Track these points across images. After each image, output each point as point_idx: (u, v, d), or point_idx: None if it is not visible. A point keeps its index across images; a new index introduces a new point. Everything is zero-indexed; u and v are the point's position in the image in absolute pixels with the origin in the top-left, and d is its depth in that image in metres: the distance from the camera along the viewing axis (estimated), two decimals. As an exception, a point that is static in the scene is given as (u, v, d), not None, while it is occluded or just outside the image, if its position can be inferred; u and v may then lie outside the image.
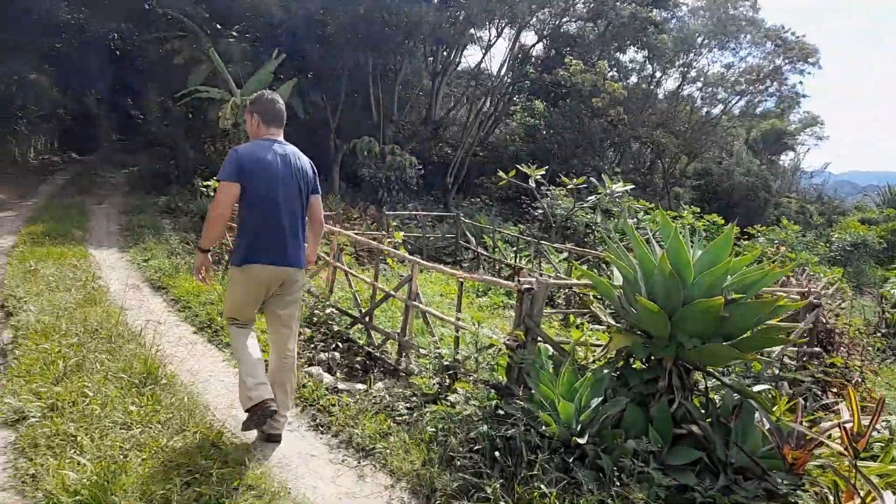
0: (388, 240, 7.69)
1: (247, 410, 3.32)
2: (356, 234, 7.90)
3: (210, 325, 5.93)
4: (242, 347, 3.48)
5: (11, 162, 18.25)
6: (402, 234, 8.91)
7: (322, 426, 3.86)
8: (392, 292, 4.91)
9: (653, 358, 3.44)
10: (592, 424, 3.20)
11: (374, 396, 4.11)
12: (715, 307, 3.04)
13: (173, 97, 17.61)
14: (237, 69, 16.71)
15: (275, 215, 3.38)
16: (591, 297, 5.59)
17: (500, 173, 10.16)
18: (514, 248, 10.56)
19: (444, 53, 23.20)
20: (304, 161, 3.62)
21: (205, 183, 9.93)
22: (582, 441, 3.06)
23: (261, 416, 3.27)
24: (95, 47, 23.96)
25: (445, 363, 3.94)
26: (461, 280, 4.35)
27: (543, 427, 3.13)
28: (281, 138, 3.55)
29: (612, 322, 3.76)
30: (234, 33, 18.77)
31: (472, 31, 24.26)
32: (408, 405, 3.87)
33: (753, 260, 3.41)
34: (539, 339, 3.55)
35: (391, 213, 10.20)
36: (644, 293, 3.34)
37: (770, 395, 3.77)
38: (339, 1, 18.21)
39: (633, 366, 3.65)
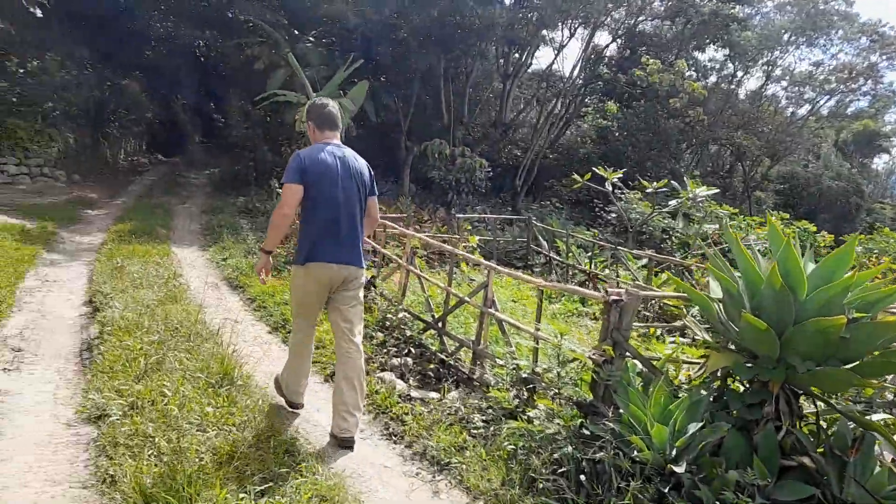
0: (463, 244, 7.55)
1: (280, 394, 3.93)
2: (427, 236, 7.82)
3: (284, 326, 5.96)
4: (297, 346, 3.73)
5: (104, 163, 19.35)
6: (477, 238, 8.75)
7: (395, 435, 3.74)
8: (467, 298, 4.75)
9: (757, 380, 3.12)
10: (689, 451, 2.92)
11: (448, 406, 3.95)
12: (835, 327, 2.71)
13: (253, 101, 18.18)
14: (313, 73, 17.06)
15: (335, 216, 3.47)
16: (683, 309, 5.24)
17: (575, 176, 9.86)
18: (589, 254, 10.20)
19: (516, 55, 22.91)
20: (361, 163, 3.70)
21: (280, 184, 10.12)
22: (678, 469, 2.79)
23: (288, 406, 3.87)
24: (182, 55, 25.14)
25: (523, 375, 3.74)
26: (541, 289, 4.13)
27: (635, 452, 2.88)
28: (337, 141, 3.64)
29: (708, 338, 3.45)
30: (311, 38, 19.21)
31: (544, 32, 23.91)
32: (484, 418, 3.70)
33: (876, 274, 3.03)
34: (628, 354, 3.29)
35: (462, 215, 10.07)
36: (748, 309, 3.04)
37: (888, 425, 3.37)
38: (413, 4, 18.30)
39: (733, 387, 3.34)
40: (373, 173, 3.78)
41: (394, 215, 9.63)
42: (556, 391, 3.41)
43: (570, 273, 9.77)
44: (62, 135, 16.19)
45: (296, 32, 19.51)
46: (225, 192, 16.77)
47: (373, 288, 6.14)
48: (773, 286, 2.92)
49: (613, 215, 16.39)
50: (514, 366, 3.78)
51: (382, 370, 4.57)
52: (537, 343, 3.98)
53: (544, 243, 10.88)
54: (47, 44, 17.71)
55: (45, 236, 9.56)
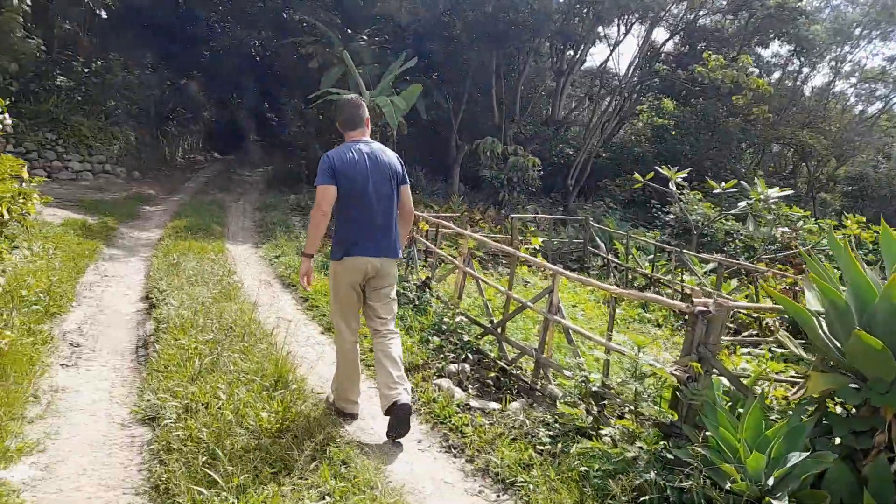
0: (526, 246, 7.29)
1: (333, 405, 3.82)
2: (484, 237, 7.58)
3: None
4: (342, 350, 3.75)
5: (162, 160, 19.85)
6: (539, 239, 8.44)
7: (455, 448, 3.52)
8: (529, 304, 4.49)
9: (867, 405, 2.77)
10: (788, 482, 2.61)
11: (511, 419, 3.72)
12: (968, 349, 2.35)
13: (306, 100, 18.33)
14: (366, 71, 17.07)
15: (368, 210, 3.55)
16: (776, 323, 4.85)
17: (636, 175, 9.45)
18: (650, 256, 9.77)
19: (570, 52, 22.41)
20: (391, 155, 3.74)
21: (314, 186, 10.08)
22: (778, 503, 2.48)
23: (344, 417, 3.73)
24: (238, 56, 25.66)
25: (594, 389, 3.47)
26: (614, 296, 3.84)
27: (728, 483, 2.58)
28: (364, 137, 3.70)
29: (805, 355, 3.11)
30: (364, 37, 19.22)
31: (599, 28, 23.35)
32: (550, 433, 3.45)
33: None
34: (715, 371, 2.99)
35: (516, 216, 9.78)
36: (858, 325, 2.70)
37: None
38: (467, 1, 18.09)
39: (832, 410, 3.00)
40: (403, 164, 3.81)
41: (447, 214, 9.45)
42: (633, 408, 3.12)
43: (630, 277, 9.35)
44: (123, 133, 16.64)
45: (349, 31, 19.59)
46: (278, 190, 16.94)
47: (427, 289, 5.95)
48: (891, 300, 2.57)
49: (671, 216, 15.79)
50: (583, 378, 3.52)
51: (439, 376, 4.37)
52: (609, 354, 3.69)
53: (602, 245, 10.49)
54: (111, 45, 18.29)
55: (105, 232, 9.76)
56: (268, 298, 6.94)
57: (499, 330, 4.77)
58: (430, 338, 4.89)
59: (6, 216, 4.77)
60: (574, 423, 3.33)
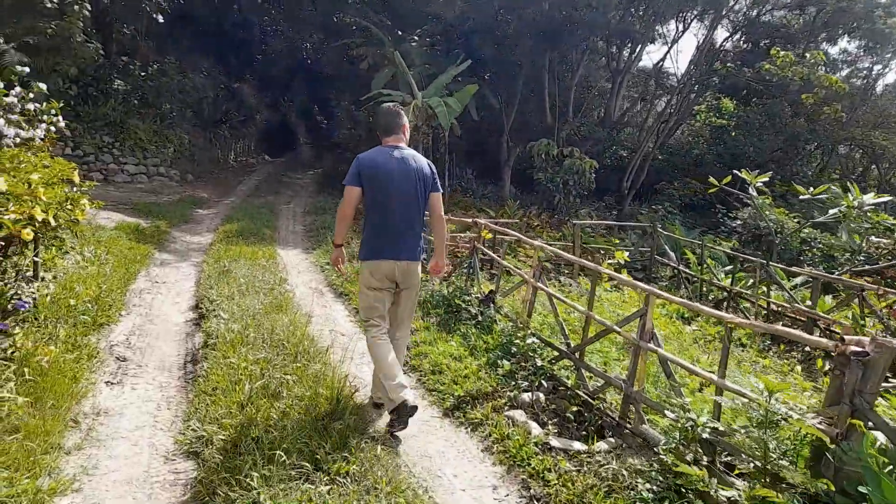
0: (609, 261, 6.73)
1: (390, 413, 3.55)
2: (548, 244, 7.04)
3: (394, 343, 5.42)
4: (377, 349, 3.68)
5: (215, 163, 19.98)
6: (625, 253, 7.80)
7: (539, 501, 3.03)
8: (617, 328, 3.95)
9: None
10: None
11: (601, 465, 3.20)
12: None
13: (356, 101, 18.14)
14: (417, 72, 16.74)
15: (391, 214, 3.63)
16: None
17: (711, 179, 8.74)
18: (728, 268, 9.02)
19: (627, 51, 21.57)
20: (421, 161, 3.77)
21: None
22: None
23: (405, 415, 3.49)
24: (289, 59, 25.82)
25: (703, 435, 2.93)
26: (729, 326, 3.28)
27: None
28: (400, 144, 3.76)
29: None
30: (415, 38, 18.91)
31: (658, 25, 22.46)
32: (652, 488, 2.92)
33: None
34: (871, 425, 2.41)
35: (578, 222, 9.19)
36: None
37: None
38: (522, -1, 17.57)
39: None
40: (434, 170, 3.84)
41: (504, 220, 8.96)
42: (761, 466, 2.57)
43: (704, 289, 8.63)
44: (178, 136, 16.76)
45: (398, 32, 19.31)
46: (327, 193, 16.76)
47: (492, 304, 5.47)
48: None
49: (738, 223, 14.88)
50: (689, 422, 2.97)
51: (511, 407, 3.88)
52: (720, 394, 3.13)
53: (672, 254, 9.77)
54: (167, 49, 18.50)
55: (157, 235, 9.65)
56: (320, 309, 6.60)
57: (576, 355, 4.25)
58: (498, 361, 4.41)
59: (53, 223, 4.52)
60: (683, 477, 2.78)
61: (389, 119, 3.79)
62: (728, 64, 22.68)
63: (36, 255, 5.67)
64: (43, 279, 6.01)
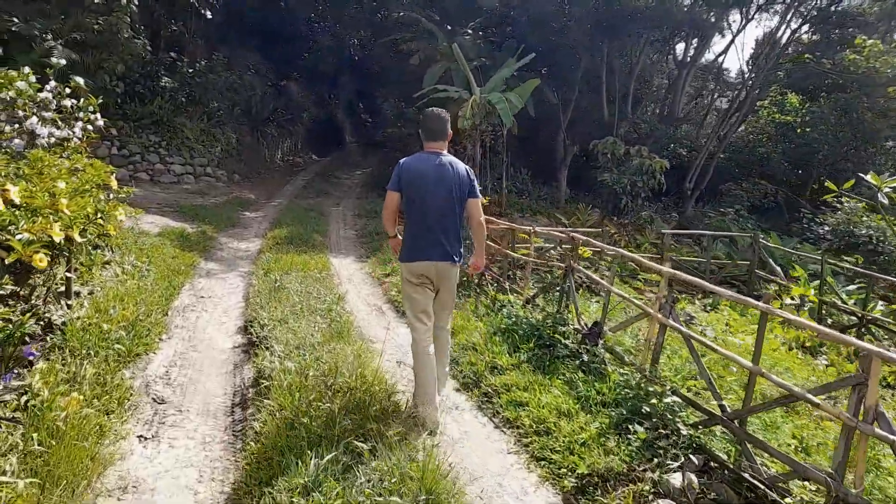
0: (791, 300, 5.65)
1: (415, 411, 3.70)
2: (673, 271, 6.02)
3: (478, 383, 4.52)
4: (419, 360, 3.79)
5: (262, 162, 19.47)
6: (811, 291, 6.59)
7: None
8: (812, 397, 2.87)
9: None
10: None
11: None
12: None
13: (406, 99, 17.33)
14: (472, 67, 15.83)
15: (428, 218, 3.71)
16: None
17: (829, 184, 7.55)
18: (849, 287, 7.82)
19: (693, 43, 20.16)
20: (460, 168, 3.83)
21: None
22: None
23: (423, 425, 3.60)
24: (336, 55, 25.21)
25: None
26: None
27: None
28: (442, 150, 3.83)
29: None
30: (469, 31, 17.99)
31: (725, 17, 20.96)
32: None
33: None
34: None
35: (668, 231, 8.07)
36: None
37: None
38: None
39: None
40: (473, 176, 3.90)
41: (584, 229, 7.97)
42: None
43: (823, 312, 7.41)
44: (225, 134, 16.25)
45: (448, 27, 18.41)
46: (377, 194, 15.98)
47: (599, 341, 4.49)
48: None
49: (826, 229, 13.50)
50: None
51: (657, 495, 2.92)
52: None
53: (778, 269, 8.56)
54: (215, 46, 18.04)
55: (203, 242, 8.99)
56: (382, 330, 5.76)
57: (737, 423, 3.23)
58: (626, 424, 3.44)
59: (79, 239, 3.77)
60: None
61: (436, 124, 3.84)
62: (805, 55, 20.95)
63: (68, 271, 4.98)
64: (78, 294, 5.34)
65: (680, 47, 21.71)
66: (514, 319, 5.21)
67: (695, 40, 19.67)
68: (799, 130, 25.40)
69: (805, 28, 24.47)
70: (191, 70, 15.86)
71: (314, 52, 24.71)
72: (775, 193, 22.05)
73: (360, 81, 26.87)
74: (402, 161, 3.81)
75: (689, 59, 20.09)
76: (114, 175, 5.39)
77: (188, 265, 7.62)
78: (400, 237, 3.95)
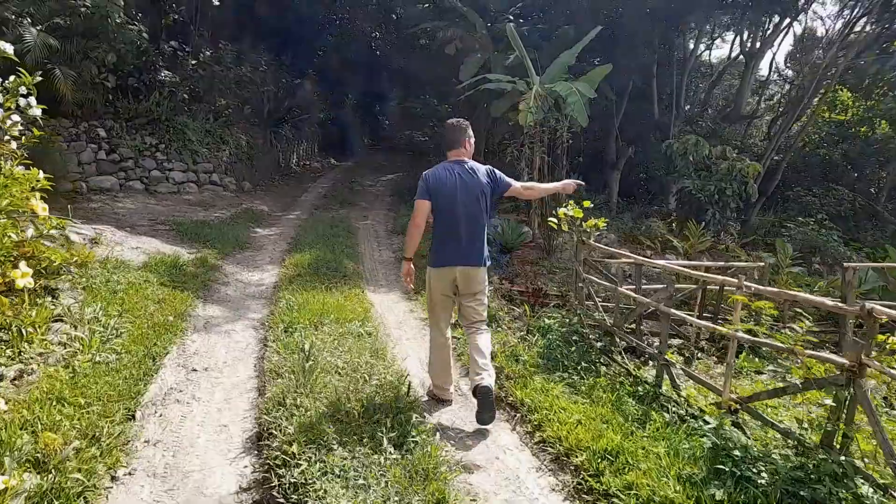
0: None
1: (430, 391, 4.17)
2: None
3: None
4: (433, 342, 4.09)
5: (276, 168, 17.37)
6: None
7: None
8: None
9: None
10: None
11: None
12: None
13: (440, 95, 15.14)
14: (516, 57, 13.63)
15: (455, 225, 3.86)
16: None
17: None
18: None
19: (768, 26, 17.63)
20: (481, 173, 3.95)
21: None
22: None
23: (435, 397, 4.13)
24: (357, 51, 23.04)
25: None
26: None
27: None
28: (463, 158, 3.98)
29: None
30: (510, 17, 15.76)
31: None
32: None
33: None
34: None
35: (852, 264, 5.72)
36: None
37: None
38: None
39: None
40: (496, 173, 4.03)
41: (744, 264, 5.71)
42: None
43: None
44: (234, 136, 14.16)
45: (490, 13, 16.16)
46: (409, 204, 13.75)
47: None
48: None
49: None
50: None
51: None
52: None
53: None
54: (223, 38, 15.95)
55: (202, 275, 6.82)
56: (479, 442, 3.57)
57: None
58: None
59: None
60: None
61: (451, 134, 4.02)
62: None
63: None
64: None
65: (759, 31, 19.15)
66: (734, 454, 2.93)
67: (770, 22, 17.15)
68: (853, 130, 23.16)
69: (863, 21, 22.09)
70: (194, 62, 13.75)
71: (332, 47, 22.60)
72: (853, 200, 19.61)
73: (381, 79, 24.75)
74: (425, 173, 3.94)
75: (759, 45, 17.63)
76: (36, 198, 3.23)
77: (179, 314, 5.46)
78: (413, 267, 4.11)
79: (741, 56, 18.06)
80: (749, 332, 3.48)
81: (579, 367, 4.43)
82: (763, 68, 24.51)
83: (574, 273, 5.09)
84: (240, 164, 14.18)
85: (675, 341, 5.54)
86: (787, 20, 17.26)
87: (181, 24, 15.09)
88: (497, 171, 4.07)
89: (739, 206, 12.28)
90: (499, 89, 11.30)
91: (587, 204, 5.12)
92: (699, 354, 5.23)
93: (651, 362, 4.51)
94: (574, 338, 4.92)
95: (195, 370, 4.53)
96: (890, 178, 20.77)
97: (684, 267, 4.74)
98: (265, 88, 16.31)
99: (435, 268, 3.96)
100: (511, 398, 4.13)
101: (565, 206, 5.17)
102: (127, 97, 11.94)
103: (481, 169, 3.96)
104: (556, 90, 9.76)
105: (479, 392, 3.71)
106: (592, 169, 18.44)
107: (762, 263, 5.35)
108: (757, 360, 5.15)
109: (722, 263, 5.52)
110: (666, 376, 3.91)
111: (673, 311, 3.80)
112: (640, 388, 4.04)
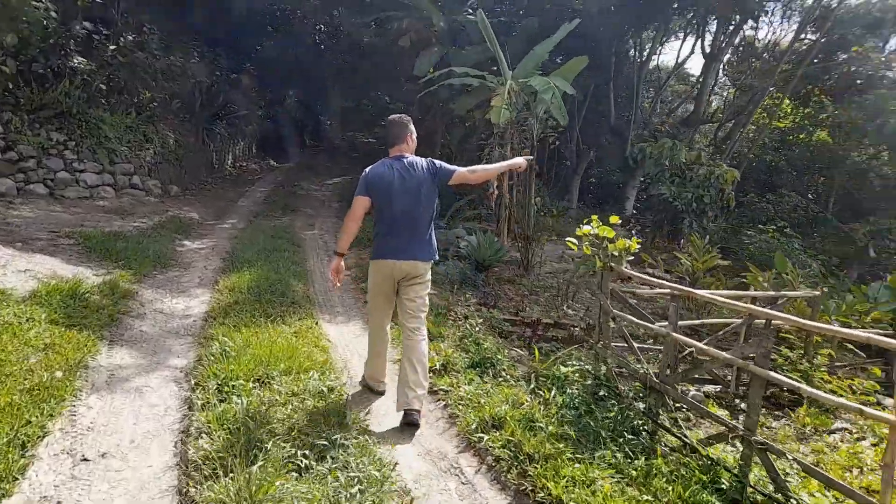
0: None
1: (364, 382, 4.26)
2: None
3: None
4: (372, 335, 4.14)
5: (208, 170, 15.69)
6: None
7: None
8: None
9: None
10: None
11: None
12: None
13: (392, 93, 13.88)
14: (481, 51, 12.58)
15: (396, 220, 3.83)
16: None
17: None
18: None
19: (726, 28, 17.18)
20: (421, 167, 3.88)
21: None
22: None
23: (371, 391, 4.17)
24: (298, 46, 21.44)
25: None
26: None
27: None
28: (404, 153, 3.92)
29: None
30: (470, 10, 14.70)
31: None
32: None
33: None
34: None
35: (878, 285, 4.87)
36: None
37: None
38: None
39: None
40: (435, 163, 3.93)
41: (773, 294, 4.79)
42: None
43: None
44: (160, 134, 12.48)
45: (434, 9, 15.02)
46: (360, 211, 12.47)
47: None
48: None
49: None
50: None
51: None
52: None
53: None
54: (147, 18, 14.15)
55: (110, 306, 5.36)
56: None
57: None
58: None
59: None
60: None
61: (393, 130, 3.96)
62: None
63: None
64: None
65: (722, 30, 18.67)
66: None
67: (730, 25, 16.69)
68: (791, 137, 23.53)
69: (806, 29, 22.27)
70: (113, 47, 11.99)
71: (273, 39, 20.93)
72: (806, 207, 19.56)
73: (325, 77, 23.19)
74: (366, 170, 3.90)
75: (717, 48, 17.17)
76: None
77: (71, 366, 4.06)
78: (343, 265, 4.05)
79: (703, 59, 17.55)
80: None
81: (621, 441, 3.33)
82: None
83: (599, 308, 3.99)
84: (166, 164, 12.51)
85: (710, 387, 4.54)
86: (749, 23, 16.90)
87: (100, 5, 13.24)
88: (436, 161, 3.98)
89: (717, 215, 11.60)
90: (464, 85, 10.18)
91: (615, 220, 4.04)
92: (742, 404, 4.25)
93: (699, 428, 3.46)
94: (601, 392, 3.83)
95: (86, 459, 3.18)
96: (838, 185, 20.94)
97: (730, 298, 3.72)
98: (197, 80, 14.61)
99: (375, 260, 3.95)
100: (541, 495, 2.98)
101: (588, 223, 4.07)
102: (30, 85, 10.15)
103: (422, 163, 3.93)
104: (532, 85, 8.71)
105: (406, 417, 3.69)
106: (550, 172, 17.65)
107: (817, 293, 4.44)
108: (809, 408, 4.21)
109: (772, 293, 4.58)
110: (757, 461, 2.84)
111: (773, 374, 2.73)
112: (714, 476, 2.97)
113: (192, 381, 4.10)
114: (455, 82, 10.00)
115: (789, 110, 23.32)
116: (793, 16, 22.22)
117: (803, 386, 2.64)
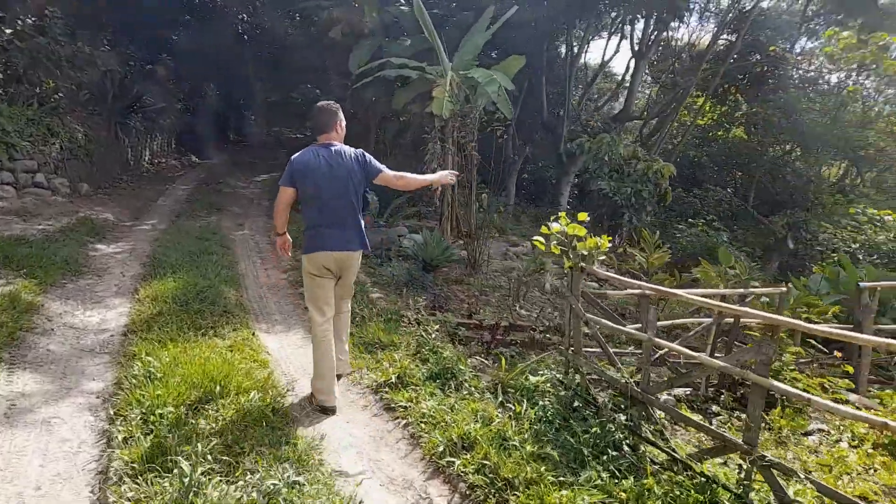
0: None
1: (313, 399, 3.92)
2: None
3: None
4: (319, 347, 3.86)
5: (124, 167, 14.54)
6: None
7: None
8: None
9: None
10: None
11: None
12: None
13: (323, 86, 13.29)
14: (414, 43, 12.21)
15: (324, 209, 3.75)
16: None
17: None
18: None
19: (654, 26, 17.47)
20: (350, 156, 3.80)
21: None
22: None
23: (322, 411, 3.81)
24: (219, 34, 20.28)
25: None
26: None
27: None
28: (332, 142, 3.81)
29: None
30: (403, 0, 14.26)
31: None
32: None
33: None
34: None
35: (867, 284, 4.81)
36: None
37: None
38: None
39: None
40: (367, 157, 3.88)
41: (743, 291, 4.69)
42: None
43: None
44: (67, 127, 11.38)
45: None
46: (293, 209, 11.83)
47: None
48: None
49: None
50: None
51: None
52: None
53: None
54: (51, 2, 12.92)
55: (9, 322, 4.64)
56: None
57: None
58: None
59: None
60: None
61: (322, 117, 3.85)
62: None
63: None
64: None
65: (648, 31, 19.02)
66: None
67: (653, 25, 16.99)
68: (711, 134, 24.57)
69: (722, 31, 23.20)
70: (10, 31, 10.82)
71: (189, 29, 19.72)
72: (730, 201, 20.32)
73: (249, 69, 22.11)
74: (292, 158, 3.78)
75: (645, 47, 17.50)
76: None
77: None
78: (289, 237, 4.04)
79: (632, 57, 17.84)
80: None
81: (605, 458, 3.06)
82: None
83: (568, 310, 3.71)
84: (75, 161, 11.42)
85: (679, 391, 4.37)
86: (676, 22, 17.31)
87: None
88: (367, 154, 3.91)
89: (655, 209, 11.73)
90: (400, 77, 9.77)
91: (583, 217, 3.77)
92: (713, 407, 4.10)
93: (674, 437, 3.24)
94: (576, 403, 3.56)
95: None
96: (756, 180, 21.91)
97: (702, 296, 3.54)
98: (108, 70, 13.47)
99: (309, 254, 3.83)
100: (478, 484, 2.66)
101: (555, 220, 3.79)
102: None
103: (350, 151, 3.83)
104: (474, 77, 8.42)
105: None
106: (497, 168, 17.48)
107: (783, 289, 4.35)
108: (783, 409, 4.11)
109: (742, 291, 4.46)
110: (759, 478, 2.62)
111: (776, 383, 2.52)
112: (712, 497, 2.74)
113: (111, 410, 3.55)
114: (391, 74, 9.58)
115: (708, 108, 24.27)
116: (710, 17, 23.19)
117: (816, 398, 2.44)
